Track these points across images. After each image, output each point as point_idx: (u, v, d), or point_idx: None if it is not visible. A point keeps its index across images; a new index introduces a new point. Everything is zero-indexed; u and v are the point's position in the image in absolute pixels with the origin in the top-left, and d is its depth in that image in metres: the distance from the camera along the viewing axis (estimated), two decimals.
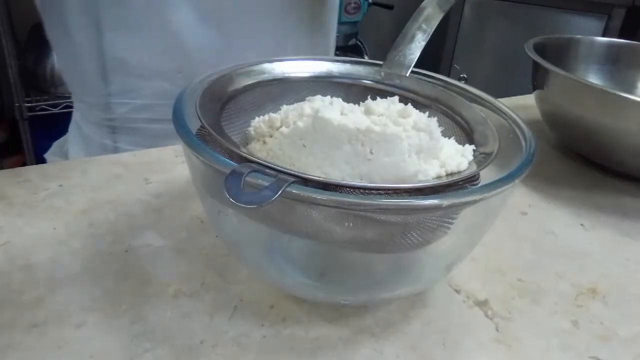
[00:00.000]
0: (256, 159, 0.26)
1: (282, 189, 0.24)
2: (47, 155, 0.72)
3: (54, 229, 0.40)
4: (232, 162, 0.25)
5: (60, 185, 0.45)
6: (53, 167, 0.48)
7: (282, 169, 0.25)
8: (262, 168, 0.25)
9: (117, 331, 0.32)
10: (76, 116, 0.67)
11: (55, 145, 0.72)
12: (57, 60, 0.67)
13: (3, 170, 0.47)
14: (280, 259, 0.37)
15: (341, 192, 0.26)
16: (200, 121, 0.30)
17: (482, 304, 0.37)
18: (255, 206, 0.23)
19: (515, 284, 0.40)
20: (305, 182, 0.25)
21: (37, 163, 0.50)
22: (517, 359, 0.33)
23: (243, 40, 0.56)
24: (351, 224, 0.27)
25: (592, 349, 0.34)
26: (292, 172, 0.25)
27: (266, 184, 0.24)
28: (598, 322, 0.37)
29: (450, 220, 0.29)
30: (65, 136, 0.72)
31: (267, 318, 0.34)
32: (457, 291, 0.38)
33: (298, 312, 0.35)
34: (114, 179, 0.47)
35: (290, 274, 0.37)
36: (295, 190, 0.24)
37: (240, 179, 0.24)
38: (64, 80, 0.69)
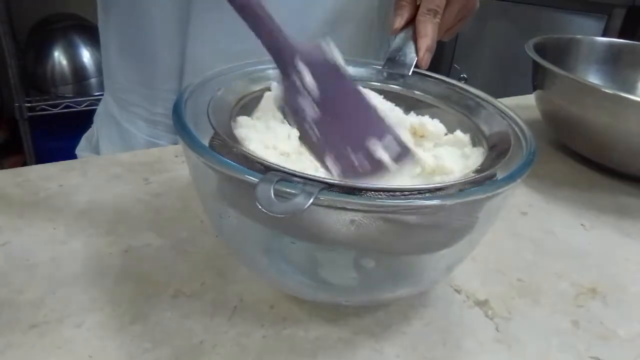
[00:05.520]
0: (281, 167, 0.26)
1: (314, 196, 0.24)
2: (77, 151, 0.71)
3: (54, 229, 0.40)
4: (257, 172, 0.25)
5: (60, 185, 0.45)
6: (53, 167, 0.48)
7: (308, 176, 0.25)
8: (289, 176, 0.25)
9: (117, 331, 0.32)
10: (113, 111, 0.66)
11: (84, 139, 0.72)
12: (104, 55, 0.65)
13: (3, 170, 0.47)
14: (280, 260, 0.37)
15: (367, 195, 0.26)
16: (216, 131, 0.30)
17: (482, 304, 0.37)
18: (289, 215, 0.23)
19: (515, 284, 0.40)
20: (331, 187, 0.25)
21: (37, 163, 0.50)
22: (517, 359, 0.33)
23: None
24: (385, 228, 0.27)
25: (592, 349, 0.34)
26: (319, 178, 0.25)
27: (296, 192, 0.24)
28: (598, 322, 0.37)
29: (469, 219, 0.29)
30: (91, 130, 0.71)
31: (267, 318, 0.34)
32: (458, 291, 0.38)
33: (298, 312, 0.35)
34: (114, 179, 0.47)
35: (290, 274, 0.37)
36: (326, 196, 0.24)
37: (269, 188, 0.24)
38: (104, 75, 0.68)
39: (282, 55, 0.32)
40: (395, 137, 0.31)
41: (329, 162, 0.30)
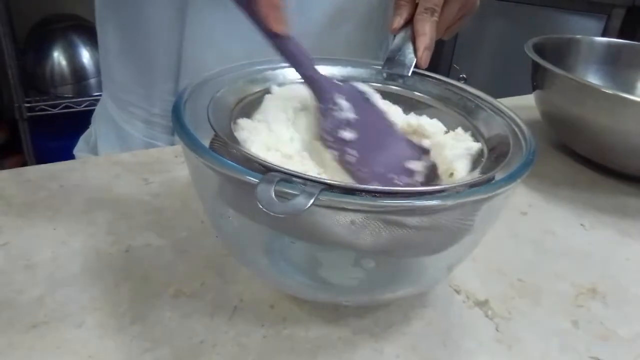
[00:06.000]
0: (282, 168, 0.26)
1: (315, 196, 0.24)
2: (75, 152, 0.71)
3: (54, 229, 0.40)
4: (257, 173, 0.26)
5: (61, 186, 0.45)
6: (53, 167, 0.48)
7: (309, 177, 0.25)
8: (290, 177, 0.25)
9: (117, 331, 0.32)
10: (111, 111, 0.66)
11: (82, 140, 0.72)
12: (102, 55, 0.66)
13: (3, 170, 0.47)
14: (280, 260, 0.37)
15: (367, 196, 0.26)
16: (216, 133, 0.31)
17: (482, 304, 0.37)
18: (289, 215, 0.23)
19: (515, 284, 0.40)
20: (332, 188, 0.25)
21: (37, 163, 0.50)
22: (517, 359, 0.33)
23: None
24: (386, 229, 0.27)
25: (592, 349, 0.34)
26: (319, 179, 0.25)
27: (296, 192, 0.24)
28: (598, 322, 0.37)
29: (469, 220, 0.29)
30: (89, 130, 0.71)
31: (267, 318, 0.34)
32: (457, 291, 0.38)
33: (298, 312, 0.35)
34: (114, 179, 0.47)
35: (290, 274, 0.37)
36: (326, 197, 0.24)
37: (270, 189, 0.24)
38: (102, 75, 0.68)
39: (322, 91, 0.35)
40: (426, 158, 0.35)
41: (369, 180, 0.32)
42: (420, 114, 0.39)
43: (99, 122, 0.69)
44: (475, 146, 0.35)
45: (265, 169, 0.26)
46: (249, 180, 0.25)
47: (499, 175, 0.31)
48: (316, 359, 0.32)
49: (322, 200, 0.24)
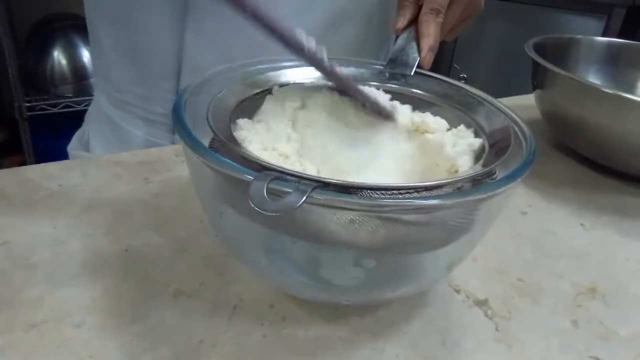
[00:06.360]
0: (275, 166, 0.26)
1: (307, 194, 0.24)
2: (69, 150, 0.71)
3: (54, 228, 0.40)
4: (252, 171, 0.26)
5: (60, 185, 0.45)
6: (53, 167, 0.48)
7: (303, 175, 0.25)
8: (283, 175, 0.25)
9: (117, 331, 0.32)
10: (107, 110, 0.66)
11: (75, 138, 0.71)
12: (94, 53, 0.66)
13: (3, 170, 0.47)
14: (280, 259, 0.37)
15: (362, 194, 0.26)
16: (214, 133, 0.31)
17: (482, 303, 0.37)
18: (280, 214, 0.23)
19: (515, 283, 0.40)
20: (326, 186, 0.25)
21: (36, 162, 0.50)
22: (517, 359, 0.33)
23: None
24: (383, 227, 0.27)
25: (592, 349, 0.34)
26: (312, 177, 0.25)
27: (289, 190, 0.24)
28: (598, 322, 0.37)
29: (469, 218, 0.29)
30: (82, 128, 0.71)
31: (266, 317, 0.34)
32: (457, 291, 0.38)
33: (298, 311, 0.35)
34: (114, 178, 0.47)
35: (290, 274, 0.37)
36: (319, 195, 0.24)
37: (263, 187, 0.24)
38: (94, 74, 0.67)
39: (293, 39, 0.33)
40: None
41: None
42: (423, 112, 0.39)
43: (93, 120, 0.69)
44: (478, 142, 0.35)
45: (260, 168, 0.26)
46: (244, 178, 0.25)
47: (499, 172, 0.31)
48: (316, 358, 0.32)
49: (314, 199, 0.24)
